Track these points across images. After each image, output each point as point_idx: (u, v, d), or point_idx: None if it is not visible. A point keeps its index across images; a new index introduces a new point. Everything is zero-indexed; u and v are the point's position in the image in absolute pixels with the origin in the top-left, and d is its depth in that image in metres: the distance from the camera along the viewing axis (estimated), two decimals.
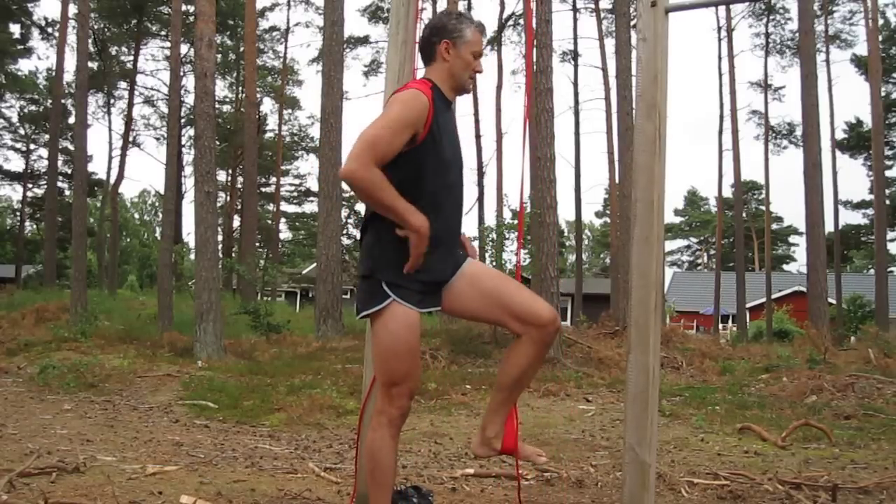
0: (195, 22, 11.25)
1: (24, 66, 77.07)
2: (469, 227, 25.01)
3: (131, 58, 30.47)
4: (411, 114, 2.33)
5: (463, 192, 2.60)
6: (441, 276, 2.46)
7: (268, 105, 37.49)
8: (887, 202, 25.54)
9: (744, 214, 35.77)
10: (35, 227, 39.01)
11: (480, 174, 27.16)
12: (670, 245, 57.31)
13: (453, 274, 2.50)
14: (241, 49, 28.44)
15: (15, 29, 29.72)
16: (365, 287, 2.42)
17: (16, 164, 38.14)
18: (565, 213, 79.35)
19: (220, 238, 16.16)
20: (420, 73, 2.65)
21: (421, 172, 2.38)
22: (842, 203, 31.21)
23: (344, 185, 15.09)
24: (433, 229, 2.35)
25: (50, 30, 29.44)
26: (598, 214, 56.15)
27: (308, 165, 46.88)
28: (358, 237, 2.49)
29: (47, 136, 29.49)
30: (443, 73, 2.51)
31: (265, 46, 34.18)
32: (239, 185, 33.33)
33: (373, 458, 2.41)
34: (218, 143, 21.50)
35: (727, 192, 37.52)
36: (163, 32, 29.47)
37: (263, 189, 37.74)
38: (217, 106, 25.37)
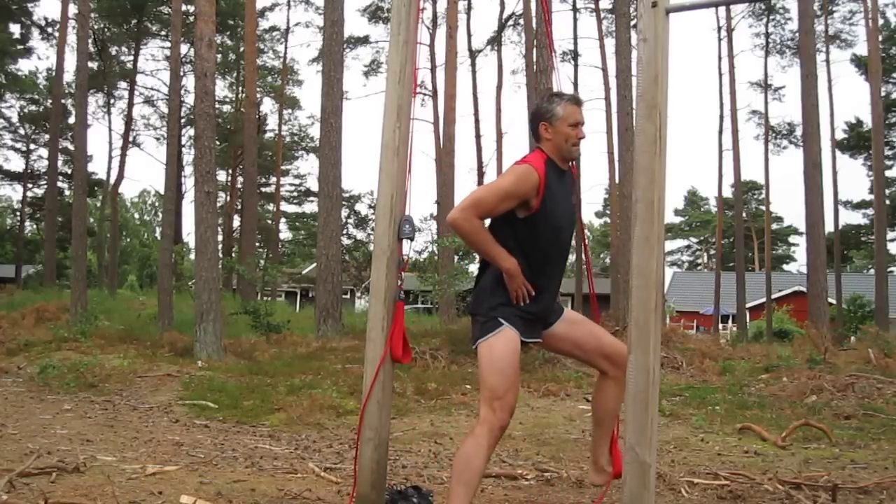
0: (195, 22, 11.24)
1: (24, 66, 77.02)
2: None
3: (131, 58, 30.50)
4: (520, 189, 2.67)
5: (569, 247, 3.01)
6: (545, 313, 2.82)
7: (268, 105, 37.52)
8: (887, 202, 25.52)
9: (744, 214, 35.75)
10: (35, 227, 39.02)
11: (480, 174, 27.17)
12: (670, 245, 57.35)
13: (556, 320, 2.89)
14: (241, 49, 28.45)
15: (15, 29, 29.74)
16: (480, 320, 2.74)
17: (16, 164, 38.14)
18: None
19: (220, 238, 16.15)
20: (420, 73, 2.84)
21: (537, 234, 2.73)
22: (842, 203, 31.17)
23: (344, 185, 15.14)
24: (542, 280, 2.76)
25: (50, 30, 29.43)
26: (598, 214, 56.19)
27: (308, 165, 46.84)
28: (475, 277, 2.90)
29: (47, 136, 29.48)
30: (550, 148, 2.81)
31: (265, 46, 34.18)
32: (239, 185, 33.33)
33: (468, 463, 2.58)
34: (218, 143, 21.51)
35: (727, 192, 37.55)
36: (163, 32, 29.46)
37: (263, 189, 37.71)
38: (217, 106, 25.35)
